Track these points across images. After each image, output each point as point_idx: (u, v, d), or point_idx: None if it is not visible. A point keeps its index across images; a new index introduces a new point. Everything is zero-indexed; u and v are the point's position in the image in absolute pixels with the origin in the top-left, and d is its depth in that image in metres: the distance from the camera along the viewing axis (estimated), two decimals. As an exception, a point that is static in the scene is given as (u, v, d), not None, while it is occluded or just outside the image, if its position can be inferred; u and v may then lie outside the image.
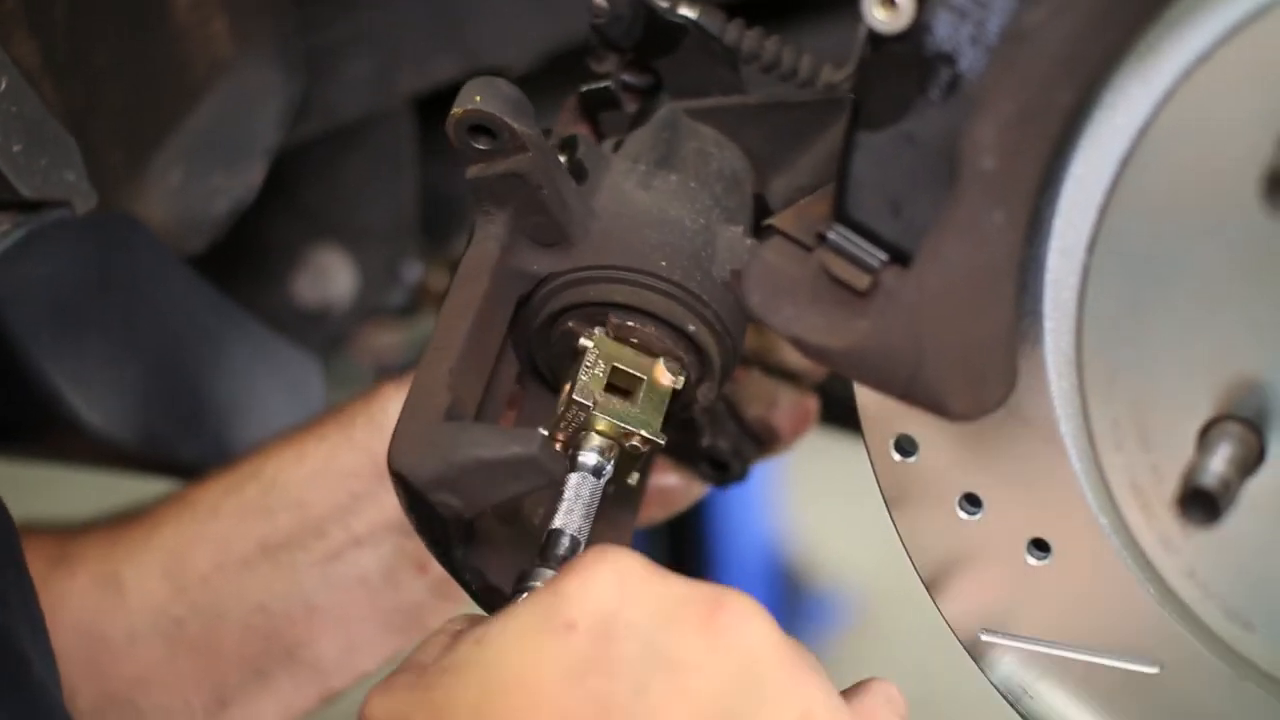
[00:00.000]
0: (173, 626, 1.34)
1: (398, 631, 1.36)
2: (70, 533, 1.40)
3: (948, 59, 0.97)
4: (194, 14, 1.49)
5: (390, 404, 1.32)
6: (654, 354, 1.14)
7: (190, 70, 1.49)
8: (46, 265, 1.38)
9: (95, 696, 1.35)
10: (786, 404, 1.37)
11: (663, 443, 1.13)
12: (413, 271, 1.77)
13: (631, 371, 1.13)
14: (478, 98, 1.09)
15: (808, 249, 1.04)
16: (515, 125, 1.09)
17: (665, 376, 1.13)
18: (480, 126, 1.09)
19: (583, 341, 1.13)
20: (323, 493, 1.33)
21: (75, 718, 1.33)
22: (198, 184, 1.51)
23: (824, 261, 1.03)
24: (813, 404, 1.39)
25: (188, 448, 1.52)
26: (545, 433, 1.10)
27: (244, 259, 1.70)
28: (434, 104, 1.71)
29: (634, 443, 1.12)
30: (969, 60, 0.96)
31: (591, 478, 1.11)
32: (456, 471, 1.03)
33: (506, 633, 0.98)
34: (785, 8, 1.58)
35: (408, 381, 1.30)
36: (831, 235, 1.02)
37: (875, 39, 0.98)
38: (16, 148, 1.25)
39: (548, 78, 1.70)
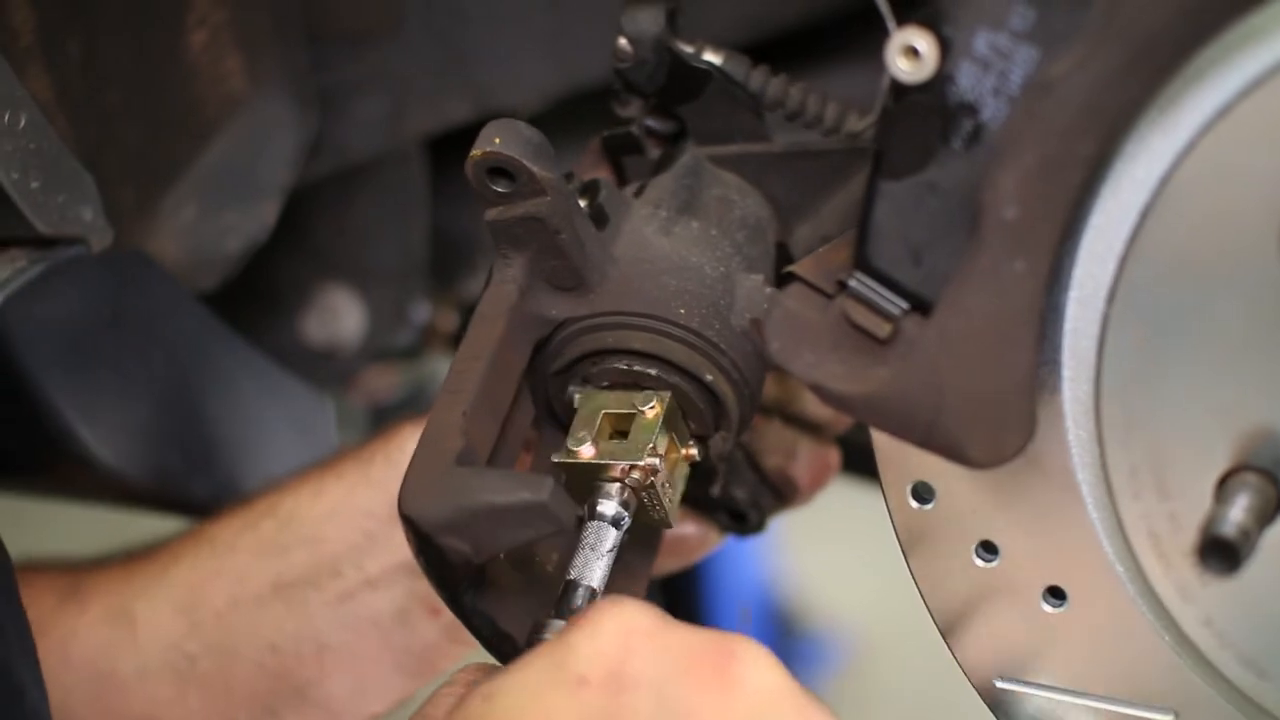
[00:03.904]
0: (185, 663, 1.34)
1: (408, 673, 1.36)
2: (81, 568, 1.39)
3: (970, 109, 0.97)
4: (207, 53, 1.49)
5: (409, 444, 1.30)
6: (701, 422, 1.14)
7: (203, 109, 1.49)
8: (60, 301, 1.38)
9: None
10: (806, 456, 1.36)
11: (655, 466, 1.12)
12: (421, 312, 1.77)
13: (624, 412, 1.13)
14: (497, 140, 1.09)
15: (828, 296, 1.05)
16: (534, 169, 1.08)
17: (640, 408, 1.13)
18: (499, 169, 1.09)
19: (645, 407, 1.12)
20: (338, 531, 1.33)
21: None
22: (210, 222, 1.51)
23: (845, 309, 1.03)
24: (834, 457, 1.38)
25: (198, 485, 1.52)
26: (564, 451, 1.10)
27: (253, 297, 1.70)
28: (445, 145, 1.72)
29: (635, 476, 1.12)
30: (991, 110, 0.97)
31: (610, 528, 1.10)
32: (466, 516, 1.03)
33: (515, 688, 0.97)
34: (807, 51, 1.59)
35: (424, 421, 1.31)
36: (852, 283, 1.03)
37: (898, 89, 0.98)
38: (34, 184, 1.25)
39: (557, 119, 1.71)
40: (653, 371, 1.13)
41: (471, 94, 1.68)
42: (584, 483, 1.12)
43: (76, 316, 1.40)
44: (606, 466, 1.11)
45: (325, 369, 1.74)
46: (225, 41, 1.50)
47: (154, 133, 1.46)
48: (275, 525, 1.35)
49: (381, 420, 1.93)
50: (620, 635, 0.97)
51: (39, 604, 1.35)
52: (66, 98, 1.33)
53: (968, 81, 0.97)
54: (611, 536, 1.10)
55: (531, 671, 0.98)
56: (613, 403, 1.13)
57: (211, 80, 1.50)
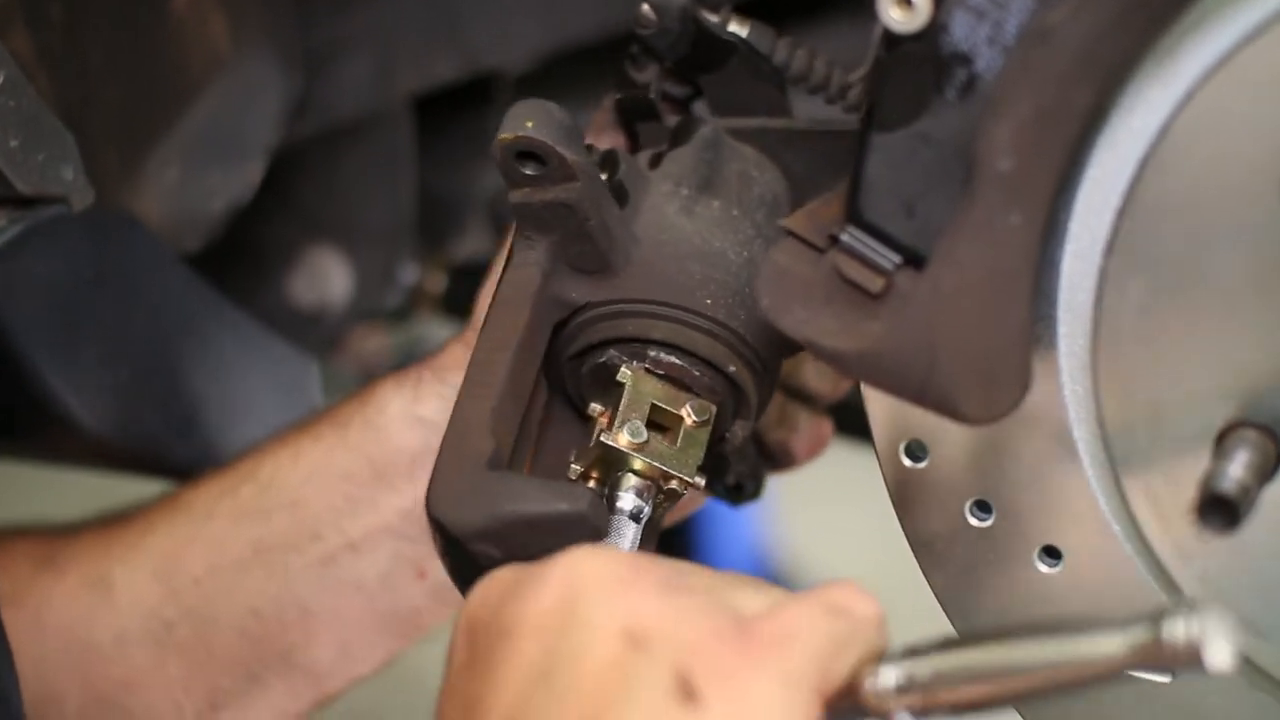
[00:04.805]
0: (163, 630, 1.32)
1: (394, 636, 1.34)
2: (59, 534, 1.37)
3: (964, 59, 0.96)
4: (191, 11, 1.47)
5: (388, 405, 1.29)
6: (691, 392, 1.11)
7: (187, 68, 1.48)
8: (42, 262, 1.36)
9: (82, 700, 1.33)
10: (804, 427, 1.36)
11: (701, 485, 1.11)
12: (408, 273, 1.76)
13: (670, 410, 1.11)
14: (529, 123, 1.06)
15: (820, 251, 1.03)
16: (567, 154, 1.06)
17: (691, 418, 1.11)
18: (529, 153, 1.07)
19: (621, 375, 1.11)
20: (318, 494, 1.31)
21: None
22: (195, 182, 1.50)
23: (836, 263, 1.01)
24: (828, 427, 1.37)
25: (181, 448, 1.50)
26: (579, 468, 1.09)
27: (239, 259, 1.69)
28: (432, 104, 1.70)
29: (672, 485, 1.10)
30: (986, 60, 0.95)
31: (630, 522, 1.08)
32: (499, 525, 1.01)
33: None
34: (804, 7, 1.58)
35: (404, 381, 1.29)
36: (844, 237, 1.01)
37: (891, 39, 0.97)
38: (13, 143, 1.24)
39: (545, 78, 1.69)
40: (707, 380, 1.11)
41: (460, 53, 1.67)
42: (611, 464, 1.10)
43: (59, 277, 1.38)
44: (646, 463, 1.09)
45: (313, 331, 1.73)
46: (210, 1, 1.48)
47: (137, 93, 1.44)
48: (254, 490, 1.32)
49: (370, 387, 1.92)
50: (485, 592, 0.96)
51: (14, 571, 1.34)
52: (47, 56, 1.32)
53: (962, 30, 0.95)
54: (631, 531, 1.08)
55: None
56: (662, 395, 1.11)
57: (196, 40, 1.49)
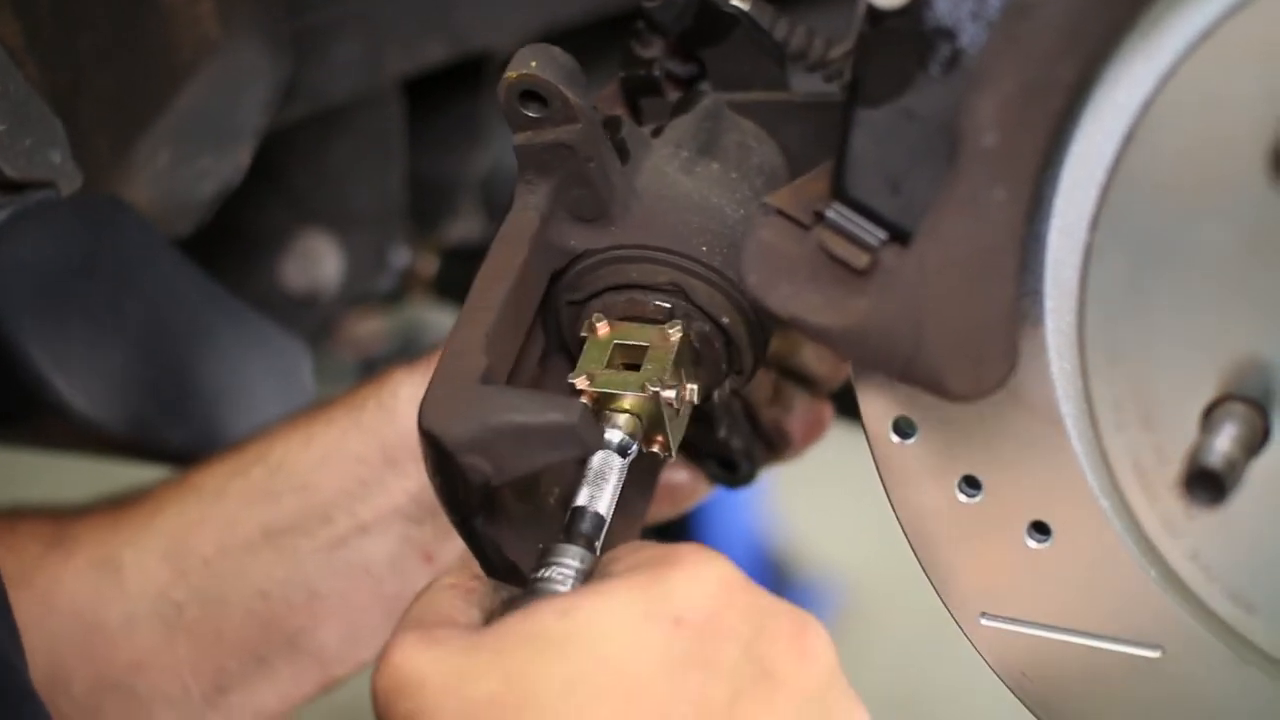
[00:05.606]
0: (172, 611, 1.32)
1: None
2: (68, 515, 1.37)
3: (948, 34, 0.96)
4: (180, -5, 1.47)
5: (401, 389, 1.30)
6: (701, 367, 1.13)
7: (177, 52, 1.47)
8: (32, 247, 1.36)
9: (90, 681, 1.33)
10: (801, 409, 1.36)
11: (672, 457, 1.12)
12: (400, 257, 1.76)
13: (684, 380, 1.12)
14: (533, 63, 1.08)
15: (805, 227, 1.03)
16: (569, 94, 1.08)
17: (693, 395, 1.12)
18: (532, 93, 1.08)
19: (670, 326, 1.12)
20: (329, 477, 1.31)
21: (69, 703, 1.32)
22: (185, 166, 1.49)
23: (822, 240, 1.01)
24: (827, 411, 1.38)
25: (174, 433, 1.50)
26: (574, 381, 1.09)
27: (230, 243, 1.68)
28: (422, 87, 1.70)
29: (654, 448, 1.11)
30: (970, 35, 0.95)
31: (617, 456, 1.09)
32: (491, 435, 1.01)
33: (605, 613, 0.97)
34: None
35: (416, 366, 1.30)
36: (830, 213, 1.01)
37: (875, 14, 0.97)
38: (1, 127, 1.24)
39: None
40: (668, 305, 1.12)
41: (450, 35, 1.67)
42: (607, 399, 1.10)
43: (49, 262, 1.38)
44: (636, 401, 1.09)
45: (305, 315, 1.72)
46: (198, -16, 1.48)
47: (127, 77, 1.44)
48: (265, 472, 1.33)
49: (370, 373, 1.92)
50: (719, 586, 0.99)
51: (22, 551, 1.34)
52: (37, 42, 1.31)
53: (945, 6, 0.95)
54: (618, 465, 1.09)
55: (623, 599, 0.98)
56: (686, 362, 1.12)
57: (186, 24, 1.48)
